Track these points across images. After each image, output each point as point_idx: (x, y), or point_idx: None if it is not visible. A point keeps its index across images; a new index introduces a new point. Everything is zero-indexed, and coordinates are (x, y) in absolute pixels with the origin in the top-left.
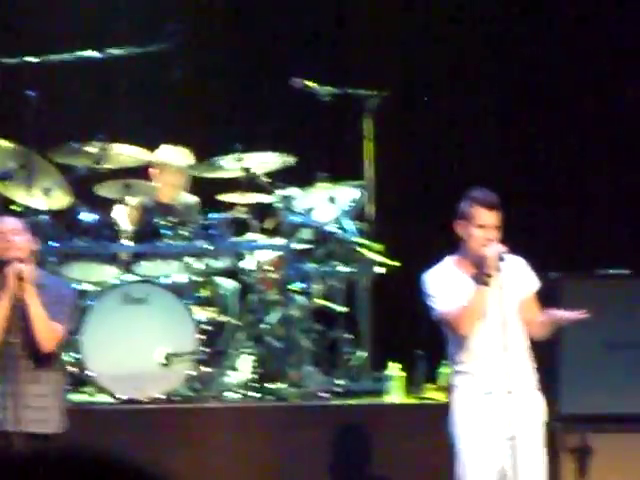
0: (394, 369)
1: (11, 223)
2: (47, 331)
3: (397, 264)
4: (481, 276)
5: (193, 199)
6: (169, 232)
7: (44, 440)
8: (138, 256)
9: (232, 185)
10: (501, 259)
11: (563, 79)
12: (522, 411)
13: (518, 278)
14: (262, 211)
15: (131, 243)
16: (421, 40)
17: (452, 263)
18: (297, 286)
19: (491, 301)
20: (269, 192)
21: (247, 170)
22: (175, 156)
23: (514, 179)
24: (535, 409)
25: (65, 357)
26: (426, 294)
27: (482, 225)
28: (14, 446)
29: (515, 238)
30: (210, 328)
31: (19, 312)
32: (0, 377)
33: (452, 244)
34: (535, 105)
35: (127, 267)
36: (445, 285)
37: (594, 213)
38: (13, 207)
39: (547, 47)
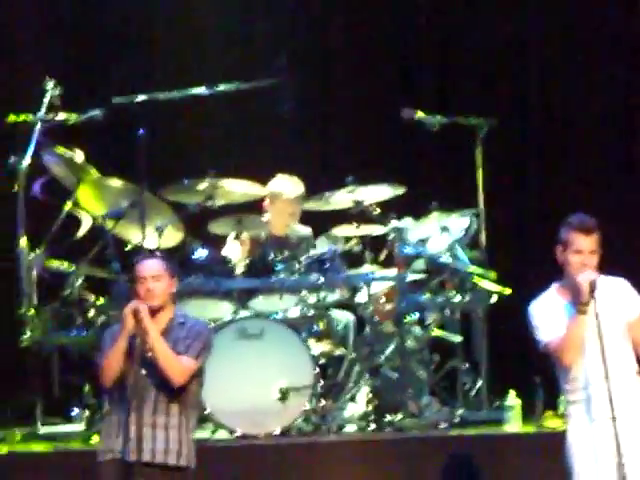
0: (512, 398)
1: (151, 269)
2: (173, 367)
3: (510, 291)
4: (577, 304)
5: (306, 230)
6: (282, 266)
7: (173, 472)
8: (252, 291)
9: (345, 217)
10: (594, 287)
11: None
12: (629, 438)
13: (621, 301)
14: (375, 243)
15: (245, 278)
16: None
17: (555, 291)
18: (412, 317)
19: (589, 329)
20: (382, 223)
21: (359, 202)
22: (288, 186)
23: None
24: None
25: None
26: (532, 325)
27: (578, 250)
28: (135, 476)
29: (621, 259)
30: (326, 361)
31: (140, 350)
32: (122, 409)
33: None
34: None
35: (241, 303)
36: (548, 315)
37: None
38: (127, 247)
39: None
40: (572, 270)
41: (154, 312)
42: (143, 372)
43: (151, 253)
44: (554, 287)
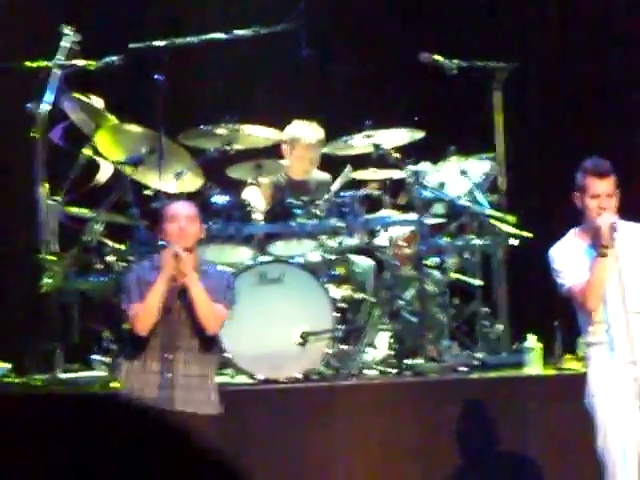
0: (532, 341)
1: (186, 209)
2: (211, 314)
3: (530, 235)
4: (597, 248)
5: (325, 176)
6: (302, 211)
7: (203, 420)
8: (272, 236)
9: (363, 162)
10: (614, 229)
11: None
12: None
13: (638, 245)
14: (394, 187)
15: (264, 223)
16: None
17: (575, 235)
18: (432, 261)
19: (609, 272)
20: (400, 168)
21: (377, 147)
22: (307, 131)
23: None
24: None
25: None
26: (553, 269)
27: (595, 195)
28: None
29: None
30: (346, 306)
31: (181, 293)
32: (157, 356)
33: (580, 214)
34: None
35: (261, 248)
36: (570, 259)
37: None
38: (146, 192)
39: None
40: (591, 214)
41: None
42: (176, 320)
43: (172, 197)
44: (573, 232)
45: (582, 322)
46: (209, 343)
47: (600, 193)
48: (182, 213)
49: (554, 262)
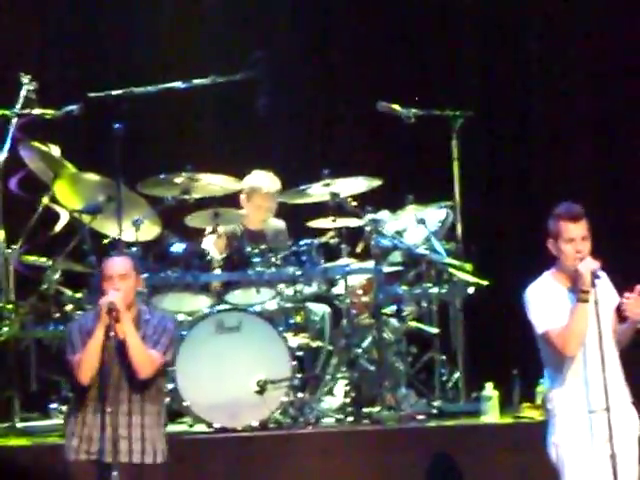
0: (489, 389)
1: (120, 266)
2: (144, 360)
3: (487, 283)
4: (578, 293)
5: (280, 224)
6: (259, 259)
7: (148, 470)
8: (229, 285)
9: (321, 211)
10: (595, 275)
11: None
12: (619, 427)
13: (608, 292)
14: (352, 235)
15: (222, 272)
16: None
17: (552, 277)
18: (389, 309)
19: (589, 317)
20: (358, 216)
21: (335, 195)
22: (265, 180)
23: (603, 192)
24: (631, 424)
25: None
26: (529, 311)
27: (570, 239)
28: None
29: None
30: (303, 354)
31: (115, 344)
32: (98, 408)
33: (541, 260)
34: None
35: (219, 296)
36: (548, 302)
37: None
38: (104, 240)
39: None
40: (567, 260)
41: None
42: (116, 371)
43: (119, 251)
44: (549, 274)
45: (551, 367)
46: (153, 393)
47: (575, 237)
48: (115, 272)
49: (531, 303)
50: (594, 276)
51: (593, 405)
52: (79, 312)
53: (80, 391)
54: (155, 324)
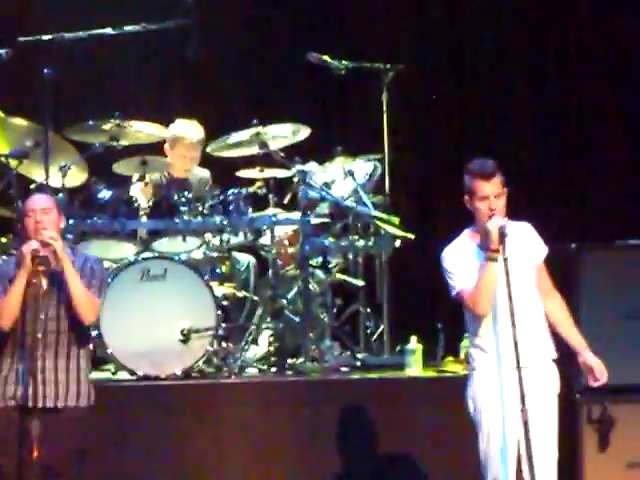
0: (414, 342)
1: (42, 201)
2: (88, 304)
3: (413, 236)
4: (486, 251)
5: (204, 172)
6: (186, 208)
7: (70, 412)
8: (156, 233)
9: (250, 161)
10: (502, 232)
11: None
12: (535, 384)
13: (527, 246)
14: (280, 186)
15: (148, 220)
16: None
17: (468, 237)
18: (315, 261)
19: (498, 276)
20: (286, 167)
21: (264, 145)
22: (187, 129)
23: (532, 146)
24: (548, 382)
25: None
26: (444, 270)
27: (483, 197)
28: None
29: (533, 207)
30: (229, 304)
31: (48, 289)
32: (20, 354)
33: (468, 214)
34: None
35: (145, 244)
36: (461, 262)
37: (611, 182)
38: (31, 186)
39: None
40: (481, 217)
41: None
42: (42, 316)
43: (41, 189)
44: (466, 233)
45: (470, 325)
46: (79, 336)
47: (488, 194)
48: (37, 206)
49: (445, 263)
50: (502, 233)
51: (504, 362)
52: (4, 257)
53: (3, 337)
54: (80, 266)
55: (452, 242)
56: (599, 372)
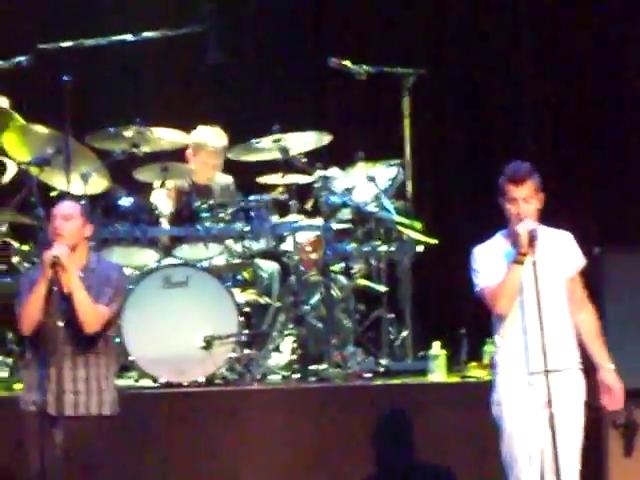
0: (437, 348)
1: (65, 207)
2: (90, 314)
3: (436, 242)
4: (515, 254)
5: (227, 179)
6: (208, 214)
7: (93, 421)
8: (178, 239)
9: (271, 167)
10: (533, 236)
11: None
12: (561, 390)
13: (562, 255)
14: (301, 192)
15: (170, 227)
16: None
17: (501, 238)
18: (338, 266)
19: (526, 279)
20: (308, 173)
21: (285, 151)
22: (210, 136)
23: (557, 151)
24: (575, 388)
25: None
26: (472, 268)
27: (512, 199)
28: (56, 430)
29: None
30: (251, 310)
31: (59, 297)
32: (42, 361)
33: (491, 219)
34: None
35: (167, 251)
36: (489, 261)
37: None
38: (52, 193)
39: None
40: (512, 219)
41: None
42: (60, 324)
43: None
44: (499, 234)
45: (496, 326)
46: (98, 345)
47: (517, 197)
48: (58, 212)
49: (474, 262)
50: (532, 237)
51: (532, 367)
52: (26, 265)
53: (28, 343)
54: (100, 274)
55: (484, 242)
56: (618, 397)
